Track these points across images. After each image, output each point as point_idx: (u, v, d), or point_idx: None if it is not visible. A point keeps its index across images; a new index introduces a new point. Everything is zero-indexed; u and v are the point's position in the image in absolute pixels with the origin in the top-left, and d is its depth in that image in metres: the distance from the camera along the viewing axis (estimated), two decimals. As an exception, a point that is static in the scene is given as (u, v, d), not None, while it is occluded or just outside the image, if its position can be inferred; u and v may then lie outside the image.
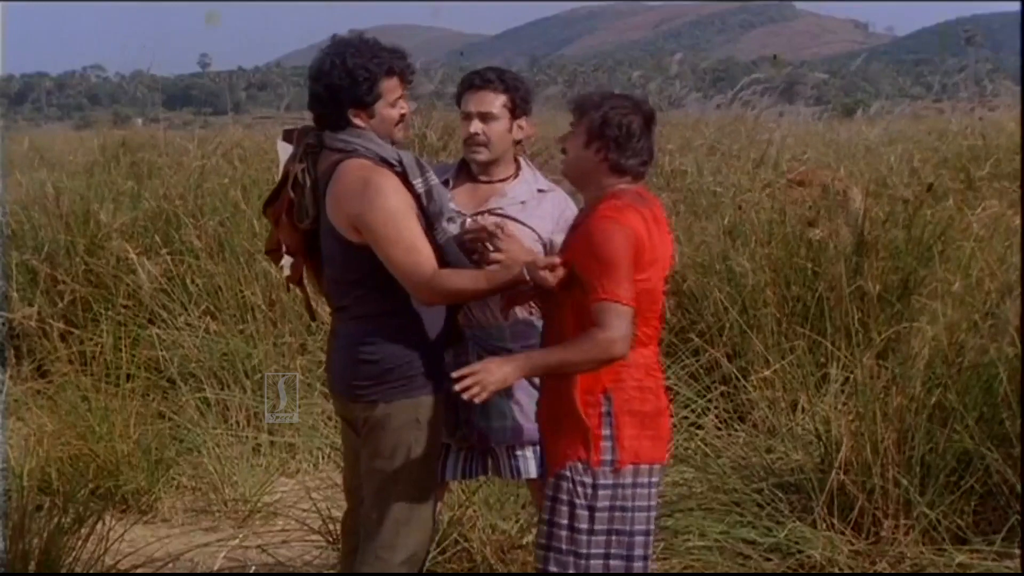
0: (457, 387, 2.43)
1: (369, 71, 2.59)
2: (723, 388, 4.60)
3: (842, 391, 4.23)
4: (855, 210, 4.67)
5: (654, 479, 2.56)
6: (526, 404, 2.85)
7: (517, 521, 3.65)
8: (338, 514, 3.80)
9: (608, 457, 2.50)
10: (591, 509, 2.50)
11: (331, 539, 3.79)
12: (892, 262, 4.85)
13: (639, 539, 2.55)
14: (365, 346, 2.62)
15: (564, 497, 2.52)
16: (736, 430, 4.46)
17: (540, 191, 2.96)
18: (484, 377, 2.43)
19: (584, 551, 2.51)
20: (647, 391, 2.54)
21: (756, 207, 5.50)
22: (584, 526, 2.51)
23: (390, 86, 2.64)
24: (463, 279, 2.58)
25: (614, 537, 2.52)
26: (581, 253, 2.48)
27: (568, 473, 2.51)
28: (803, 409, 4.32)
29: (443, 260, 2.62)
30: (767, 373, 4.52)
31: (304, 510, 4.06)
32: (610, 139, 2.51)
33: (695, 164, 6.90)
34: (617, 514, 2.52)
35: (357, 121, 2.62)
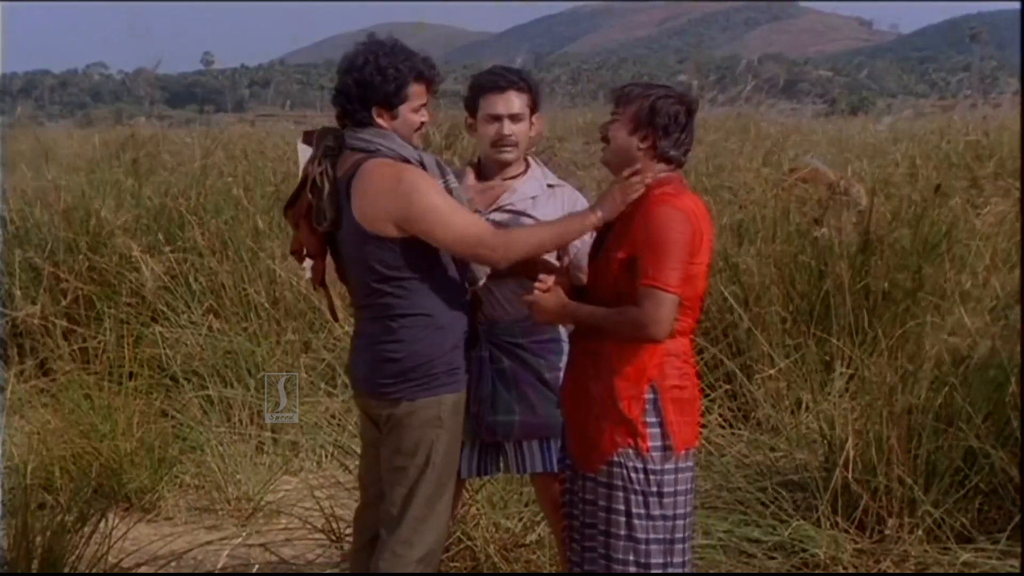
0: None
1: (400, 72, 2.63)
2: (727, 386, 4.59)
3: (847, 390, 4.21)
4: (861, 209, 4.66)
5: (690, 463, 2.61)
6: (534, 399, 2.85)
7: (520, 519, 3.64)
8: (341, 512, 3.80)
9: (657, 443, 2.54)
10: (645, 495, 2.54)
11: (334, 537, 3.78)
12: (898, 261, 4.83)
13: (687, 522, 2.61)
14: (388, 344, 2.64)
15: (619, 483, 2.55)
16: (740, 428, 4.45)
17: (550, 186, 2.97)
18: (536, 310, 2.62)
19: (642, 536, 2.55)
20: (686, 378, 2.59)
21: (761, 205, 5.49)
22: (641, 511, 2.54)
23: (417, 91, 2.68)
24: (538, 230, 2.67)
25: (669, 522, 2.57)
26: (639, 239, 2.51)
27: (620, 459, 2.55)
28: (807, 408, 4.31)
29: (461, 261, 2.68)
30: (771, 371, 4.50)
31: (307, 508, 4.04)
32: (659, 127, 2.56)
33: (700, 162, 6.87)
34: (667, 499, 2.56)
35: (380, 121, 2.66)
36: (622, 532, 2.55)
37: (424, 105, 2.71)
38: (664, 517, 2.55)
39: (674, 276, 2.46)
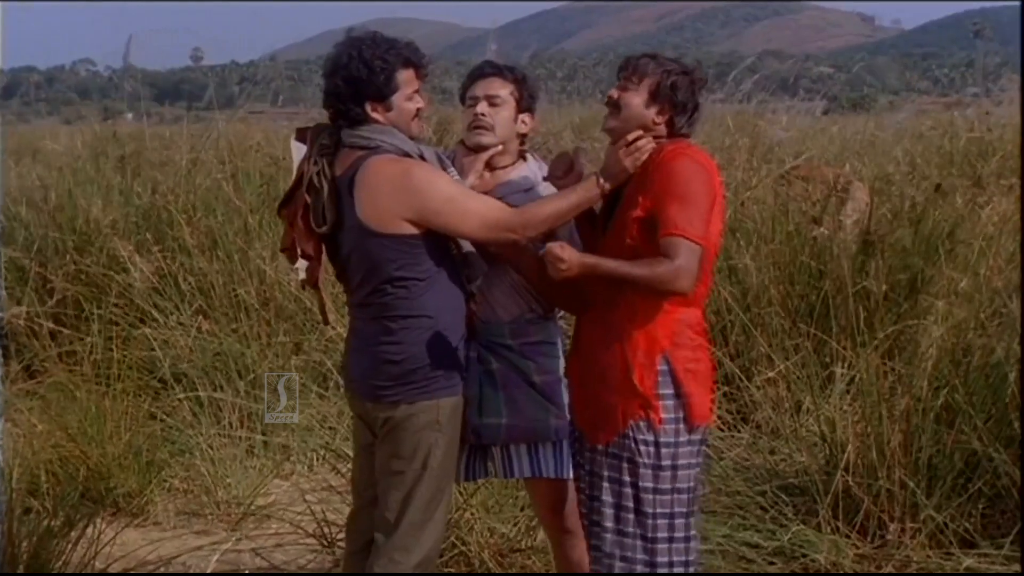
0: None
1: (386, 62, 2.61)
2: (726, 388, 4.54)
3: (847, 392, 4.17)
4: (861, 208, 4.61)
5: (701, 437, 2.61)
6: (521, 402, 2.80)
7: (516, 524, 3.61)
8: (333, 517, 3.77)
9: (670, 416, 2.53)
10: (655, 468, 2.54)
11: (326, 542, 3.75)
12: (899, 261, 4.79)
13: (695, 496, 2.60)
14: (388, 346, 2.61)
15: (627, 455, 2.55)
16: (739, 431, 4.42)
17: (546, 178, 2.92)
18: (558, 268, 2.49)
19: (649, 510, 2.54)
20: (700, 349, 2.58)
21: (759, 203, 5.44)
22: (649, 485, 2.54)
23: (407, 78, 2.66)
24: (552, 202, 2.64)
25: (676, 496, 2.56)
26: (660, 191, 2.49)
27: (630, 432, 2.54)
28: (808, 410, 4.27)
29: (462, 254, 2.67)
30: (771, 373, 4.46)
31: (298, 513, 4.02)
32: (677, 104, 2.58)
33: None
34: (681, 472, 2.55)
35: (375, 115, 2.63)
36: (630, 504, 2.55)
37: (416, 91, 2.69)
38: (674, 491, 2.55)
39: (696, 228, 2.44)
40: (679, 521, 2.57)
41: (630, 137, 2.56)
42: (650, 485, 2.54)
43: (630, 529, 2.56)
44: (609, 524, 2.58)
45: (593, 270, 2.49)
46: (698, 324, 2.59)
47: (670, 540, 2.56)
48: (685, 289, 2.44)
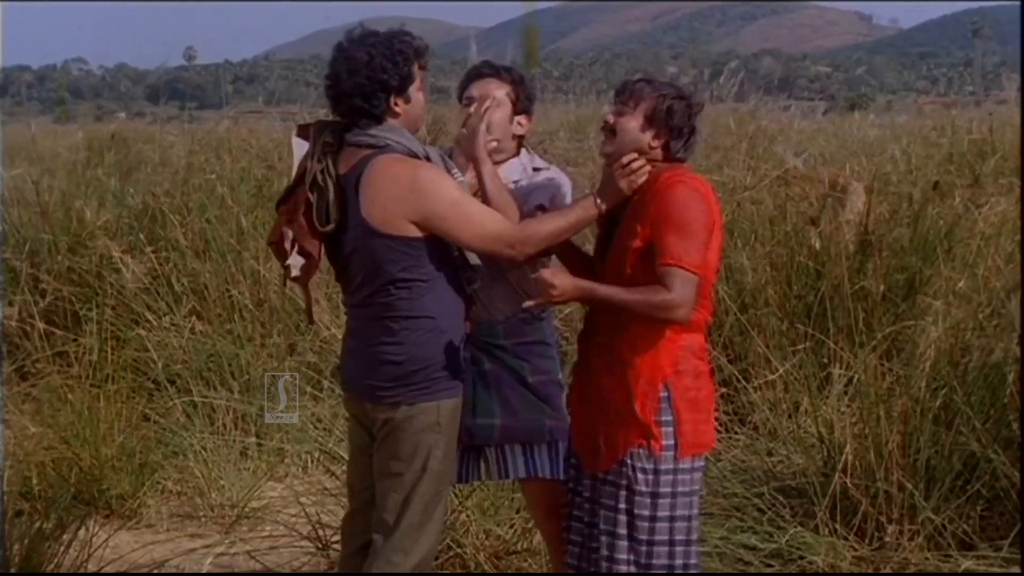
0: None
1: (404, 54, 2.61)
2: (723, 390, 4.52)
3: (845, 393, 4.15)
4: (858, 208, 4.59)
5: (701, 463, 2.60)
6: (515, 403, 2.79)
7: (511, 526, 3.59)
8: (328, 519, 3.74)
9: (670, 442, 2.52)
10: (653, 496, 2.53)
11: (320, 545, 3.73)
12: (897, 261, 4.78)
13: (695, 524, 2.59)
14: (390, 346, 2.59)
15: (623, 482, 2.54)
16: (737, 433, 4.40)
17: (536, 169, 2.93)
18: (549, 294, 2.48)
19: (644, 537, 2.53)
20: (701, 376, 2.58)
21: (755, 203, 5.42)
22: (645, 512, 2.53)
23: (416, 69, 2.66)
24: (551, 220, 2.64)
25: (677, 524, 2.55)
26: (658, 220, 2.49)
27: (629, 460, 2.53)
28: (805, 411, 4.25)
29: (463, 256, 2.65)
30: (769, 375, 4.44)
31: (293, 515, 3.99)
32: (674, 129, 2.58)
33: (691, 159, 6.78)
34: (681, 500, 2.54)
35: (397, 108, 2.62)
36: (624, 532, 2.53)
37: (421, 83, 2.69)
38: (671, 519, 2.53)
39: (693, 257, 2.44)
40: (679, 549, 2.55)
41: (625, 160, 2.56)
42: (647, 513, 2.52)
43: (622, 556, 2.54)
44: (605, 552, 2.57)
45: (591, 295, 2.51)
46: (700, 350, 2.58)
47: (670, 568, 2.54)
48: (681, 319, 2.46)
